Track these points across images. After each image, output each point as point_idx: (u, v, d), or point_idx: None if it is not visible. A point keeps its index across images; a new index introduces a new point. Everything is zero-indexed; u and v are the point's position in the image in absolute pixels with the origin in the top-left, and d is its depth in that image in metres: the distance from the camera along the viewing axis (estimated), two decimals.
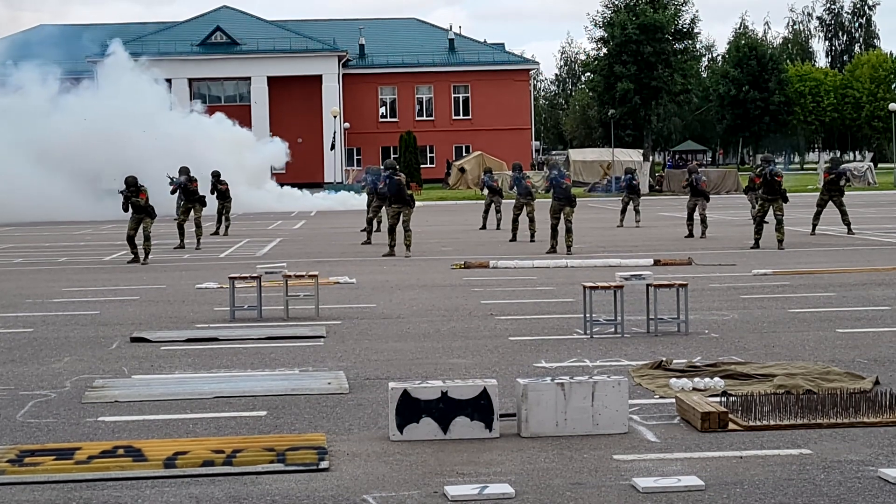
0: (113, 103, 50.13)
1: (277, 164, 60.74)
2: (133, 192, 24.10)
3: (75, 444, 8.40)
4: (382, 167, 26.30)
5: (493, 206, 34.55)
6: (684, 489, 7.05)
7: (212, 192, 35.46)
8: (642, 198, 37.37)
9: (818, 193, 29.80)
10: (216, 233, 34.34)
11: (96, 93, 53.34)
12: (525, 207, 28.99)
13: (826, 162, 29.32)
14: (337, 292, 18.21)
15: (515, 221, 29.07)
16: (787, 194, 25.19)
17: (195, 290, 19.05)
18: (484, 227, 34.30)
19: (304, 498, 7.09)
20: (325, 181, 66.52)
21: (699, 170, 31.70)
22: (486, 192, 36.19)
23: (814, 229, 28.56)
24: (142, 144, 48.00)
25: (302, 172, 71.13)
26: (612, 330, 13.38)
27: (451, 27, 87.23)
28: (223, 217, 35.13)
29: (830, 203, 28.52)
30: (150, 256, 24.32)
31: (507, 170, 68.38)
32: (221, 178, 35.71)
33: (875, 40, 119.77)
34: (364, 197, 37.03)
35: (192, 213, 29.60)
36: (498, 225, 33.75)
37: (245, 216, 43.56)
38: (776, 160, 26.67)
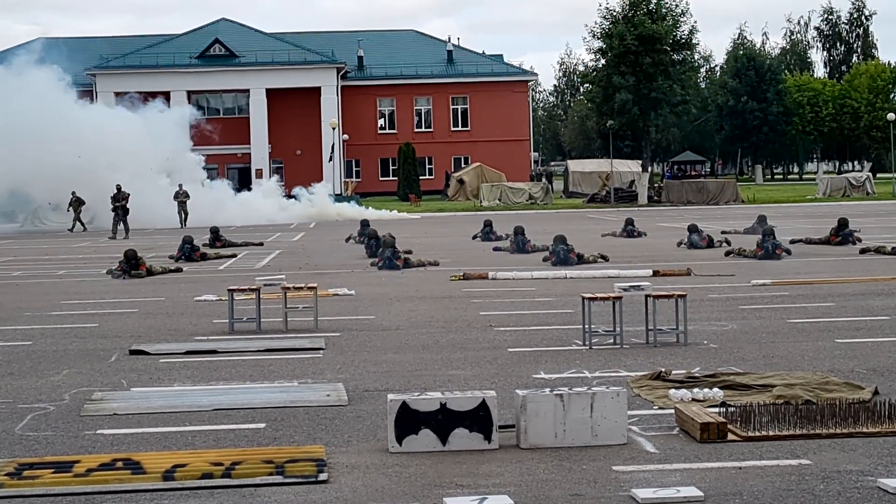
0: None
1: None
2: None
3: (74, 457, 8.40)
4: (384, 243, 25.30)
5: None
6: (683, 500, 7.04)
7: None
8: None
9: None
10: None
11: None
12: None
13: (835, 226, 29.08)
14: (336, 304, 18.20)
15: None
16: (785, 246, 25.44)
17: (194, 302, 19.05)
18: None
19: None
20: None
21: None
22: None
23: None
24: None
25: (301, 184, 71.07)
26: (612, 341, 13.38)
27: (449, 39, 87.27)
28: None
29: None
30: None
31: (506, 181, 68.53)
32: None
33: (873, 50, 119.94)
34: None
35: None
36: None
37: (244, 229, 43.48)
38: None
